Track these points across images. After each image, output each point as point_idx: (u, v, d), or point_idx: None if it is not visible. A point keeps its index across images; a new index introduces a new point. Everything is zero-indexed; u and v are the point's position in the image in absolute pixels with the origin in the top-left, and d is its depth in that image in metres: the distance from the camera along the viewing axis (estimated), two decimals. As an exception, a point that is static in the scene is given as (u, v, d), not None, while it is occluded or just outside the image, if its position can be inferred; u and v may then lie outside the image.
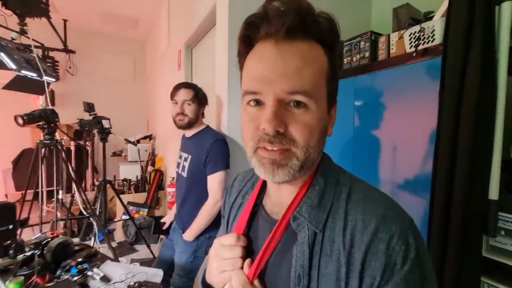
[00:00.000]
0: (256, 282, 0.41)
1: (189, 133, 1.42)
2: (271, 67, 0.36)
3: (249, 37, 0.40)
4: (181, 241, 1.35)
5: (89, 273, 0.98)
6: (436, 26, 1.02)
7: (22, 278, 0.88)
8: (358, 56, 1.36)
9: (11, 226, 0.87)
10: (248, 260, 0.42)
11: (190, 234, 1.31)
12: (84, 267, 1.00)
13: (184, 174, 1.38)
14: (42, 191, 1.80)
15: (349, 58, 1.41)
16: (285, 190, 0.44)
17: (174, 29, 2.95)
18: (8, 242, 0.89)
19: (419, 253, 0.34)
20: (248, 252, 0.44)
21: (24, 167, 3.60)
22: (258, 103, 0.38)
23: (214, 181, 1.28)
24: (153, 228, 1.56)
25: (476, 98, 0.86)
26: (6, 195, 3.81)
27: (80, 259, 1.04)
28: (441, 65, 0.95)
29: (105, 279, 0.96)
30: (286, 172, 0.38)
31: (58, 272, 0.97)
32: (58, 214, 2.44)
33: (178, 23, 2.71)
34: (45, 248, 1.02)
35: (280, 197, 0.45)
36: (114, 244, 2.99)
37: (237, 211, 0.53)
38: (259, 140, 0.38)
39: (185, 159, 1.39)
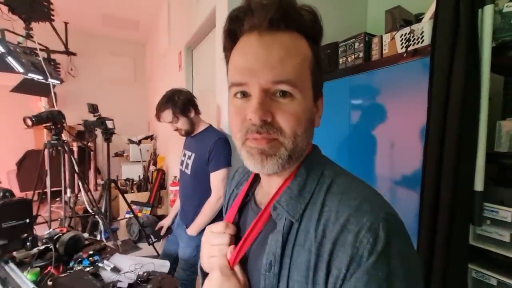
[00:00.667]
0: (236, 268, 0.43)
1: (196, 130, 1.47)
2: (255, 58, 0.37)
3: (233, 31, 0.40)
4: (185, 236, 1.41)
5: (100, 264, 1.04)
6: (425, 28, 1.08)
7: (38, 269, 0.94)
8: (353, 56, 1.42)
9: (28, 220, 0.92)
10: (232, 247, 0.44)
11: (193, 229, 1.37)
12: (95, 259, 1.06)
13: (188, 172, 1.44)
14: (50, 190, 1.86)
15: (344, 58, 1.46)
16: (273, 181, 0.44)
17: (174, 31, 3.00)
18: (25, 235, 0.95)
19: (389, 246, 0.32)
20: (237, 240, 0.46)
21: (28, 168, 3.67)
22: (244, 95, 0.39)
23: (217, 178, 1.33)
24: (153, 237, 1.63)
25: (461, 94, 0.92)
26: (10, 196, 3.87)
27: (91, 252, 1.10)
28: (429, 65, 1.01)
29: (116, 269, 1.02)
30: (275, 162, 0.38)
31: (71, 264, 1.03)
32: (65, 212, 2.50)
33: (179, 25, 2.76)
34: (57, 242, 1.08)
35: (269, 188, 0.46)
36: (118, 243, 3.06)
37: (232, 201, 0.55)
38: (247, 131, 0.38)
39: (189, 157, 1.45)
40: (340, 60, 1.48)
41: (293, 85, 0.37)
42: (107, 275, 0.99)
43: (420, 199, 1.05)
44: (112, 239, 2.04)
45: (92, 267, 1.01)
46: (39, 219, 1.76)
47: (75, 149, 3.85)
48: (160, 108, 1.38)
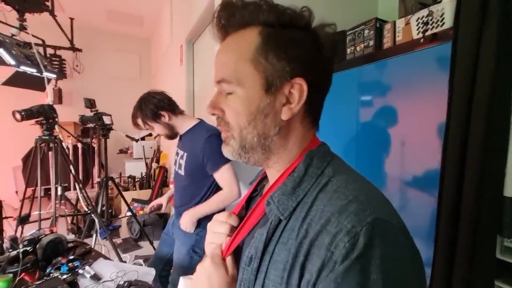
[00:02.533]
0: (228, 259, 0.44)
1: (181, 130, 1.38)
2: (215, 62, 0.43)
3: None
4: (181, 233, 1.32)
5: (80, 271, 0.96)
6: (446, 9, 0.94)
7: (10, 275, 0.87)
8: (362, 45, 1.29)
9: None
10: (228, 238, 0.45)
11: (190, 213, 1.27)
12: (76, 265, 0.98)
13: (181, 172, 1.35)
14: (47, 188, 1.81)
15: (352, 48, 1.33)
16: (270, 174, 0.47)
17: (176, 24, 2.93)
18: (-4, 238, 0.88)
19: (367, 254, 0.28)
20: None
21: (34, 164, 3.67)
22: None
23: (224, 176, 1.23)
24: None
25: (490, 86, 0.78)
26: (16, 192, 3.90)
27: (71, 257, 1.02)
28: (451, 51, 0.87)
29: (95, 277, 0.93)
30: (228, 149, 0.43)
31: (48, 270, 0.95)
32: (66, 211, 2.46)
33: (180, 18, 2.68)
34: (37, 245, 1.01)
35: (270, 180, 0.47)
36: (119, 241, 3.02)
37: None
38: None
39: (181, 157, 1.36)
40: (348, 50, 1.36)
41: (228, 82, 0.40)
42: (86, 284, 0.90)
43: (438, 204, 0.92)
44: (109, 238, 1.98)
45: (70, 274, 0.93)
46: (32, 218, 1.71)
47: (79, 145, 3.84)
48: (132, 117, 1.33)
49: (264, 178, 0.52)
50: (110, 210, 2.68)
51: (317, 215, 0.34)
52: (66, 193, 2.78)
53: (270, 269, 0.36)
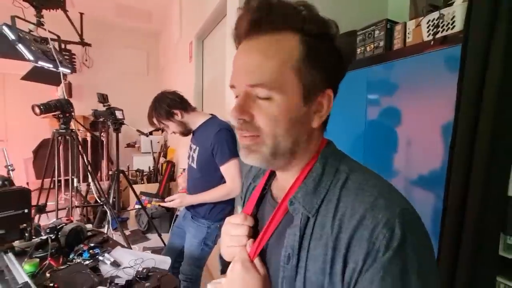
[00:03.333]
0: (256, 260, 0.45)
1: (194, 126, 1.43)
2: (237, 64, 0.42)
3: (235, 40, 0.44)
4: (193, 225, 1.38)
5: (100, 257, 1.01)
6: (457, 12, 0.96)
7: (37, 260, 0.92)
8: (372, 45, 1.31)
9: (26, 210, 0.90)
10: (251, 240, 0.47)
11: (192, 198, 1.36)
12: (96, 252, 1.04)
13: (194, 165, 1.40)
14: (59, 180, 1.87)
15: (362, 48, 1.35)
16: (286, 175, 0.46)
17: (186, 20, 2.95)
18: (24, 225, 0.93)
19: (404, 242, 0.33)
20: (255, 232, 0.48)
21: (43, 156, 3.76)
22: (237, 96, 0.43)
23: (230, 170, 1.29)
24: None
25: (498, 89, 0.81)
26: (27, 183, 4.00)
27: (92, 244, 1.07)
28: (460, 54, 0.89)
29: (115, 264, 0.99)
30: (256, 157, 0.42)
31: (71, 256, 1.01)
32: (76, 202, 2.54)
33: (190, 15, 2.70)
34: (59, 232, 1.06)
35: (283, 181, 0.48)
36: (127, 232, 3.09)
37: (250, 194, 0.56)
38: (236, 128, 0.43)
39: (194, 150, 1.41)
40: (358, 50, 1.38)
41: (270, 88, 0.39)
42: (106, 269, 0.96)
43: (443, 202, 0.95)
44: (119, 229, 2.04)
45: (91, 260, 0.98)
46: (49, 208, 1.77)
47: (88, 139, 3.91)
48: (148, 117, 1.41)
49: (271, 175, 0.53)
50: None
51: (347, 212, 0.37)
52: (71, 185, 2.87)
53: (309, 263, 0.39)
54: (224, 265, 0.53)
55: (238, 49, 0.42)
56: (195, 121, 1.41)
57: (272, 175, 0.53)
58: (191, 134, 1.47)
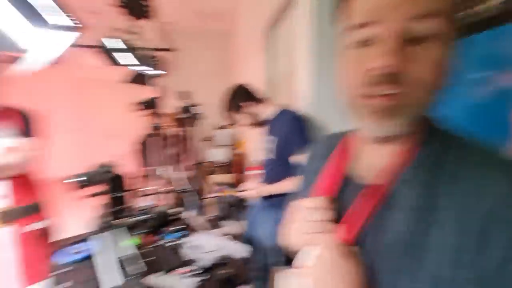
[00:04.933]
0: (352, 246, 0.38)
1: (267, 117, 1.44)
2: None
3: None
4: (269, 215, 1.39)
5: (184, 240, 1.10)
6: None
7: (138, 236, 1.07)
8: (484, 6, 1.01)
9: (120, 194, 1.05)
10: (342, 225, 0.40)
11: (265, 187, 1.37)
12: (179, 235, 1.14)
13: (273, 156, 1.41)
14: (153, 169, 2.17)
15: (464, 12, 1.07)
16: (383, 151, 0.39)
17: (254, 13, 2.98)
18: (123, 206, 1.08)
19: None
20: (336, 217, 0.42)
21: (149, 147, 4.42)
22: (367, 42, 0.32)
23: (301, 161, 1.25)
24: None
25: None
26: (130, 172, 4.80)
27: (175, 228, 1.18)
28: None
29: (196, 248, 1.06)
30: (397, 122, 0.33)
31: (160, 236, 1.13)
32: (162, 188, 2.92)
33: (258, 7, 2.71)
34: (151, 214, 1.20)
35: (376, 159, 0.40)
36: (205, 219, 3.40)
37: (317, 174, 0.49)
38: (367, 85, 0.33)
39: (271, 142, 1.42)
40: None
41: (441, 21, 0.30)
42: (189, 252, 1.03)
43: None
44: (201, 215, 2.24)
45: (176, 242, 1.08)
46: (140, 192, 2.07)
47: (173, 134, 4.43)
48: (221, 110, 1.47)
49: (345, 154, 0.46)
50: (199, 191, 3.05)
51: (477, 191, 0.31)
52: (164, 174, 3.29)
53: (431, 251, 0.32)
54: (288, 257, 0.48)
55: None
56: (267, 112, 1.40)
57: (346, 154, 0.46)
58: (265, 126, 1.47)
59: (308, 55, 1.42)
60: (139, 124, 4.75)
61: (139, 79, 2.34)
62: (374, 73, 0.31)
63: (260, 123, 1.45)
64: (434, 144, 0.36)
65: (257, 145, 1.60)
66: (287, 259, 0.48)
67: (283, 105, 1.42)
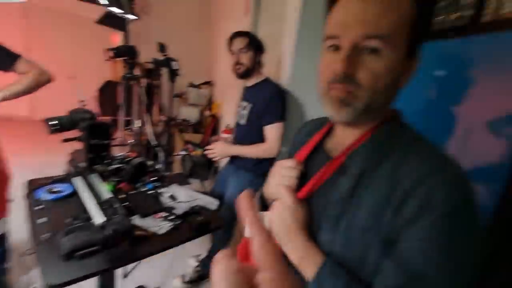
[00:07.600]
0: (303, 202, 0.50)
1: (250, 82, 1.46)
2: (351, 12, 0.39)
3: None
4: (236, 175, 1.49)
5: (160, 190, 1.19)
6: None
7: (113, 183, 1.13)
8: (455, 14, 1.15)
9: (107, 141, 1.08)
10: (295, 180, 0.51)
11: (229, 148, 1.47)
12: (157, 185, 1.22)
13: (243, 122, 1.47)
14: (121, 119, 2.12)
15: (442, 17, 1.20)
16: (349, 132, 0.49)
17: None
18: (104, 153, 1.12)
19: (460, 206, 0.37)
20: (302, 177, 0.53)
21: (107, 95, 4.14)
22: (336, 48, 0.42)
23: (273, 132, 1.34)
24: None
25: None
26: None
27: (154, 178, 1.26)
28: None
29: (173, 197, 1.16)
30: (349, 111, 0.42)
31: (137, 185, 1.20)
32: (132, 140, 2.87)
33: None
34: (128, 163, 1.25)
35: (343, 139, 0.50)
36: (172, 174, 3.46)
37: (300, 146, 0.60)
38: (331, 82, 0.43)
39: (244, 108, 1.46)
40: (437, 19, 1.22)
41: (385, 41, 0.38)
42: (165, 201, 1.13)
43: (500, 199, 0.90)
44: (168, 171, 2.30)
45: (153, 191, 1.16)
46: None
47: (143, 85, 4.19)
48: (237, 34, 1.41)
49: (327, 133, 0.56)
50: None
51: (407, 173, 0.40)
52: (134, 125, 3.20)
53: (361, 208, 0.43)
54: (264, 204, 0.60)
55: None
56: (257, 73, 1.45)
57: (327, 133, 0.56)
58: (243, 91, 1.52)
59: (295, 23, 1.44)
60: (105, 70, 4.42)
61: (110, 20, 2.15)
62: (335, 73, 0.41)
63: (246, 74, 1.43)
64: (386, 131, 0.46)
65: (231, 109, 1.64)
66: (264, 206, 0.61)
67: (266, 76, 1.46)
